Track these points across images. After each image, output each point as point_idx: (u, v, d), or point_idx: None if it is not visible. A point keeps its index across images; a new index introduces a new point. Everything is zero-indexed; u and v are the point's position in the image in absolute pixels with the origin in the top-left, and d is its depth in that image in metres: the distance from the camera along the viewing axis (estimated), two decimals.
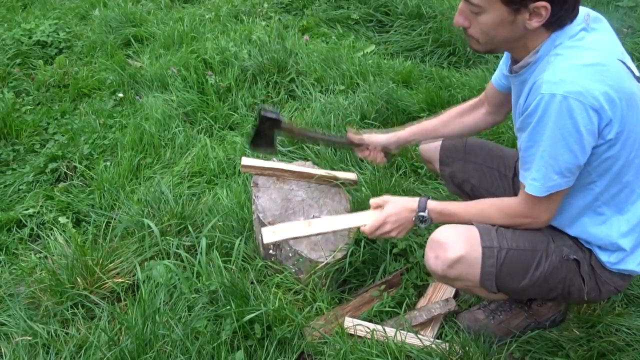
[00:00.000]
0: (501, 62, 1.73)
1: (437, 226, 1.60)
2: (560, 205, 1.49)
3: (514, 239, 1.53)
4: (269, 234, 1.71)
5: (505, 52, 1.66)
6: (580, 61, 1.33)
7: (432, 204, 1.62)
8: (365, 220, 1.68)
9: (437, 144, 1.97)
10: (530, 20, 1.34)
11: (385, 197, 1.70)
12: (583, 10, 1.42)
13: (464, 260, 1.50)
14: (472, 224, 1.56)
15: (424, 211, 1.61)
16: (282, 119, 1.89)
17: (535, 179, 1.41)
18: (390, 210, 1.65)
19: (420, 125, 1.96)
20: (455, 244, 1.51)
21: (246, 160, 2.11)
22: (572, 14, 1.37)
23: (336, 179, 2.10)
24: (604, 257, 1.54)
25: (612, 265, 1.54)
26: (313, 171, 2.12)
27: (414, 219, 1.63)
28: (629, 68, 1.42)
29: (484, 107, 1.86)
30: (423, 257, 1.98)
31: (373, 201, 1.71)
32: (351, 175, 2.16)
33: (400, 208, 1.64)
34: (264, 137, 1.92)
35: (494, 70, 3.47)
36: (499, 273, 1.52)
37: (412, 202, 1.64)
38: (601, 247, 1.54)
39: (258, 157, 2.21)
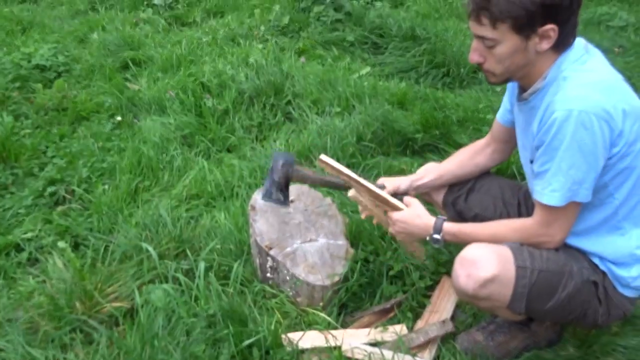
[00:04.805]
0: (504, 98, 1.81)
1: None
2: (575, 220, 1.53)
3: (542, 259, 1.55)
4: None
5: (509, 87, 1.77)
6: (588, 80, 1.42)
7: (447, 226, 1.67)
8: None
9: None
10: (541, 43, 1.43)
11: (413, 203, 1.77)
12: (581, 40, 1.51)
13: (497, 280, 1.50)
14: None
15: (438, 234, 1.67)
16: (294, 159, 1.92)
17: (554, 190, 1.45)
18: (405, 218, 1.75)
19: (437, 168, 1.99)
20: (488, 263, 1.50)
21: (325, 157, 1.88)
22: (574, 33, 1.46)
23: (387, 204, 1.84)
24: (624, 273, 1.56)
25: (633, 281, 1.56)
26: (380, 192, 1.85)
27: (427, 238, 1.70)
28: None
29: (490, 147, 1.93)
30: (420, 279, 2.02)
31: (405, 199, 1.79)
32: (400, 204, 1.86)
33: (415, 223, 1.73)
34: (276, 185, 1.93)
35: (488, 91, 3.55)
36: (529, 294, 1.53)
37: (429, 221, 1.69)
38: (618, 263, 1.57)
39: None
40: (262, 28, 4.43)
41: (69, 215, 2.63)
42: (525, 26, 1.40)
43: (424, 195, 2.06)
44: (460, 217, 1.94)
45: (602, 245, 1.58)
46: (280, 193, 1.93)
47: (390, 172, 2.68)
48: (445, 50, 3.81)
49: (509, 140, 1.86)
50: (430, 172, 1.98)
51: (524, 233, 1.58)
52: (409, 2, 5.11)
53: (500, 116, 1.84)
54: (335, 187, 2.05)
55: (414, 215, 1.74)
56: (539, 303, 1.55)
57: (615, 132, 1.40)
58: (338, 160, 2.66)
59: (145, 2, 5.51)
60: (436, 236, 1.68)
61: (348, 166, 2.64)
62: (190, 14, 5.24)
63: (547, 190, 1.47)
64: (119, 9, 5.50)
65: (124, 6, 5.56)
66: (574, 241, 1.61)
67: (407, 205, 1.78)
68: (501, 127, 1.85)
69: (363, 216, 1.97)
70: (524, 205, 1.90)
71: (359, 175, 1.86)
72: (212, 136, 3.10)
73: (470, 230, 1.66)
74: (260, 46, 4.03)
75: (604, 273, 1.59)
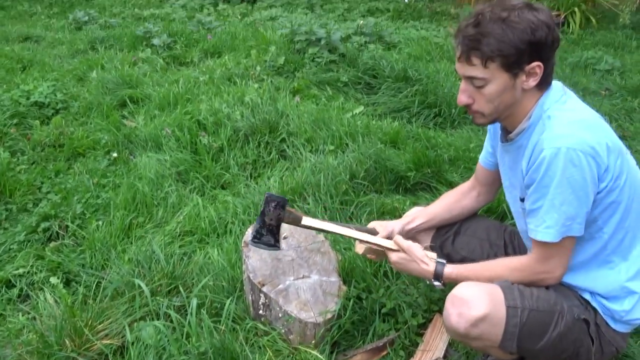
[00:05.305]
0: (485, 142, 1.86)
1: None
2: (571, 254, 1.56)
3: (533, 298, 1.56)
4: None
5: (490, 130, 1.81)
6: (571, 118, 1.48)
7: (447, 271, 1.67)
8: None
9: None
10: (528, 80, 1.49)
11: (412, 247, 1.73)
12: (558, 82, 1.58)
13: (488, 319, 1.50)
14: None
15: (439, 280, 1.68)
16: (286, 201, 1.84)
17: (549, 226, 1.49)
18: (403, 262, 1.74)
19: (426, 211, 2.01)
20: (479, 302, 1.51)
21: (306, 220, 1.86)
22: (552, 71, 1.53)
23: (379, 246, 1.85)
24: (616, 306, 1.58)
25: (626, 315, 1.57)
26: (370, 238, 1.86)
27: (428, 282, 1.71)
28: None
29: (475, 190, 1.97)
30: (413, 316, 2.02)
31: (397, 241, 1.76)
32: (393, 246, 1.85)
33: (414, 267, 1.72)
34: (267, 227, 1.84)
35: (479, 131, 3.62)
36: (520, 334, 1.53)
37: (429, 267, 1.69)
38: (610, 297, 1.58)
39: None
40: (258, 68, 4.53)
41: (61, 251, 2.63)
42: (514, 64, 1.46)
43: (411, 239, 2.06)
44: (448, 260, 1.95)
45: (593, 280, 1.60)
46: (270, 236, 1.86)
47: (383, 209, 2.70)
48: (436, 91, 3.90)
49: (493, 183, 1.90)
50: (419, 215, 1.99)
51: (523, 272, 1.60)
52: (402, 45, 5.26)
53: (483, 160, 1.88)
54: (327, 231, 2.05)
55: (412, 261, 1.73)
56: (531, 342, 1.56)
57: (602, 168, 1.45)
58: (331, 198, 2.71)
59: (144, 42, 5.65)
60: (437, 283, 1.69)
61: (341, 203, 2.69)
62: (188, 54, 5.36)
63: (542, 227, 1.50)
64: (118, 48, 5.64)
65: (123, 46, 5.70)
66: (565, 277, 1.62)
67: (404, 250, 1.75)
68: (485, 170, 1.89)
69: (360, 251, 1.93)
70: (510, 246, 1.92)
71: (346, 227, 1.87)
72: (207, 173, 3.13)
73: (469, 273, 1.66)
74: (256, 85, 4.12)
75: (595, 310, 1.60)
